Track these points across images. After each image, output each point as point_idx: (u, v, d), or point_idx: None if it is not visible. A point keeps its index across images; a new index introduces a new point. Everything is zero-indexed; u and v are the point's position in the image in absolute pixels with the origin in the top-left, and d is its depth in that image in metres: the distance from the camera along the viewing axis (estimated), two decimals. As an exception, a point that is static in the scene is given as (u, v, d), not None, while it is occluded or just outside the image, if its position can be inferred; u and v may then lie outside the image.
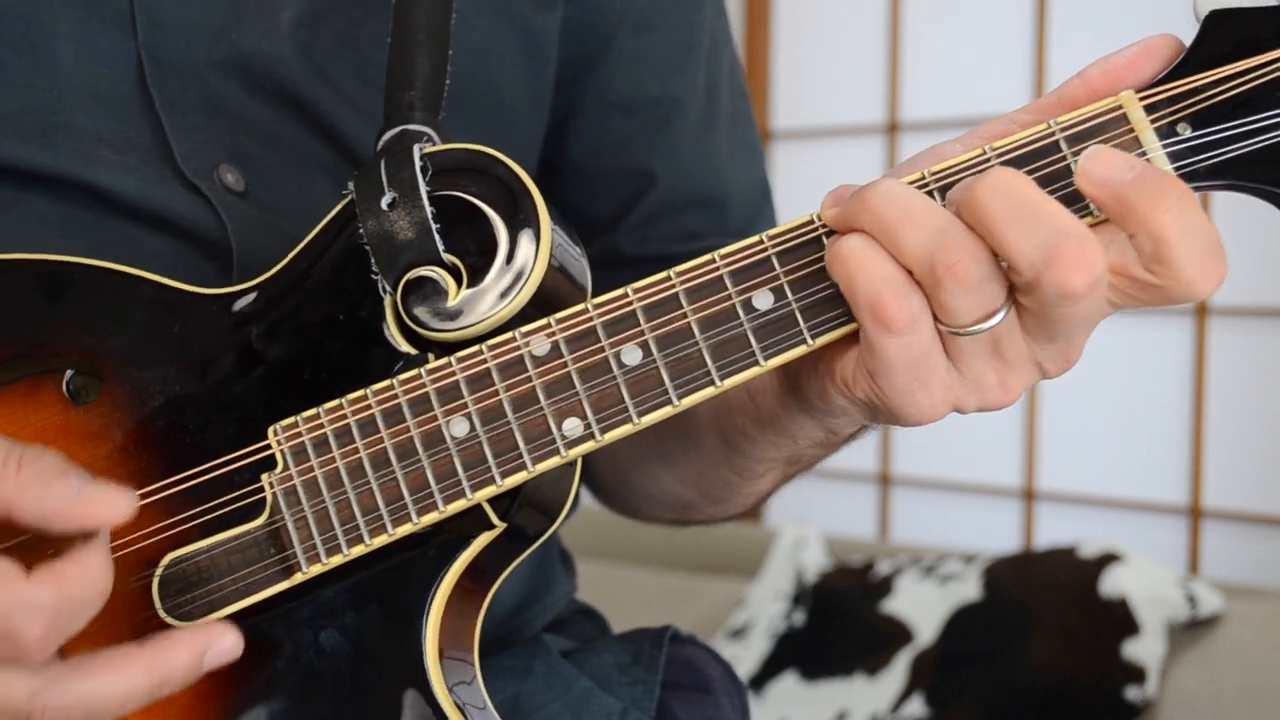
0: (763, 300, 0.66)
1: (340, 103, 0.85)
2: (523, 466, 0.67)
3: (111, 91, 0.80)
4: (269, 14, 0.84)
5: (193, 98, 0.82)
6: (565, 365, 0.67)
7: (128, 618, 0.67)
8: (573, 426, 0.67)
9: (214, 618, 0.69)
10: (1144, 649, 1.87)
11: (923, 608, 2.08)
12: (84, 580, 0.62)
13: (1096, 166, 0.60)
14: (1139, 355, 2.26)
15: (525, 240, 0.69)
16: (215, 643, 0.65)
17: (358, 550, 0.69)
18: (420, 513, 0.68)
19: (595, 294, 0.69)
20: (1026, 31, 2.42)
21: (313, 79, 0.84)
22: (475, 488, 0.67)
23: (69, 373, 0.71)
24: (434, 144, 0.73)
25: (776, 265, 0.66)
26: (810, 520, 2.45)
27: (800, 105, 2.71)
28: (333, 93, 0.85)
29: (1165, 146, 0.62)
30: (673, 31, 0.98)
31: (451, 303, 0.69)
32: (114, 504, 0.63)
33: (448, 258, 0.69)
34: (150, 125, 0.81)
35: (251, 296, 0.73)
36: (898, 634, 2.08)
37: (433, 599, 0.70)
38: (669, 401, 0.66)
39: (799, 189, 2.64)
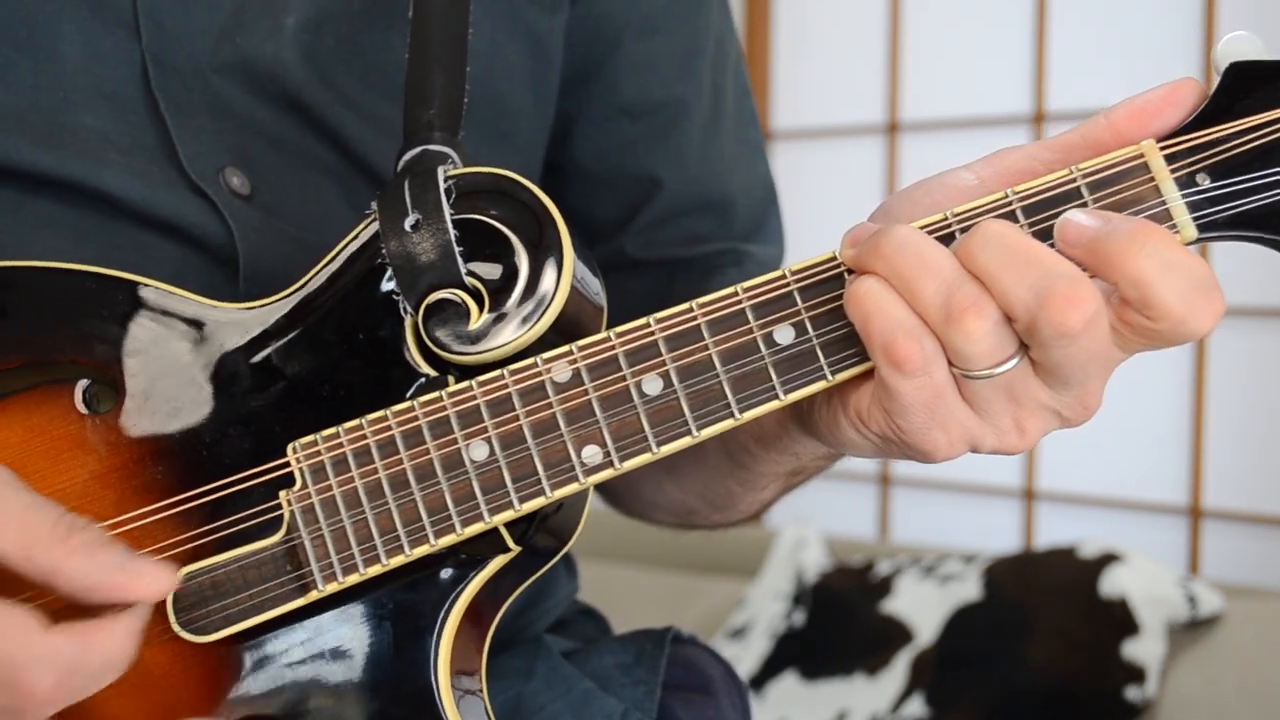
0: (784, 335, 0.66)
1: (344, 107, 0.85)
2: (541, 492, 0.67)
3: (117, 92, 0.80)
4: (273, 18, 0.84)
5: (197, 100, 0.82)
6: (586, 393, 0.67)
7: (144, 634, 0.67)
8: (592, 454, 0.67)
9: (228, 632, 0.69)
10: (1144, 649, 1.87)
11: (923, 608, 2.09)
12: (107, 648, 0.62)
13: (1069, 226, 0.61)
14: (1139, 355, 2.26)
15: (548, 267, 0.69)
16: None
17: (374, 570, 0.69)
18: (438, 535, 0.68)
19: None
20: (1026, 31, 2.42)
21: (316, 84, 0.84)
22: (493, 512, 0.67)
23: (85, 381, 0.71)
24: (456, 165, 0.73)
25: (798, 300, 0.66)
26: (810, 520, 2.45)
27: (800, 105, 2.71)
28: (336, 97, 0.85)
29: (1185, 196, 0.63)
30: (678, 35, 0.98)
31: (473, 326, 0.69)
32: (159, 579, 0.63)
33: (470, 281, 0.69)
34: (156, 127, 0.80)
35: (271, 311, 0.73)
36: (898, 634, 2.09)
37: (446, 619, 0.70)
38: (688, 432, 0.66)
39: (799, 189, 2.64)
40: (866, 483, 2.63)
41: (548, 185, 0.97)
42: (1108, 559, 1.97)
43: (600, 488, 1.03)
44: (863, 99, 2.61)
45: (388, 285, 0.71)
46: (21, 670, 0.59)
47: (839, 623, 2.16)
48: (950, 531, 2.49)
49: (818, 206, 2.58)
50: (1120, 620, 1.90)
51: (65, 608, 0.62)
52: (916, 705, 1.98)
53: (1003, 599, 2.03)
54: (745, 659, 2.18)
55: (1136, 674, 1.86)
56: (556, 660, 0.89)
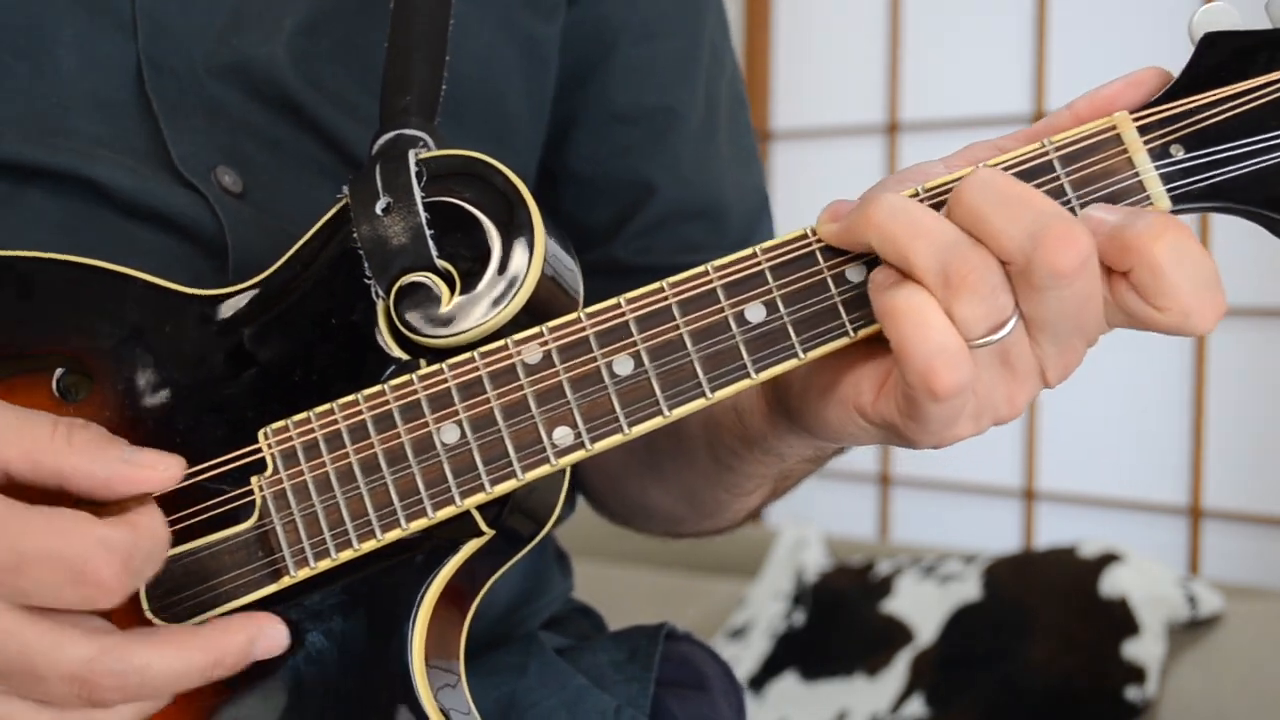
0: (755, 313, 0.66)
1: (339, 109, 0.85)
2: (512, 474, 0.67)
3: (111, 97, 0.80)
4: (270, 20, 0.84)
5: (191, 101, 0.82)
6: (557, 374, 0.67)
7: (115, 618, 0.67)
8: (563, 435, 0.67)
9: (202, 619, 0.69)
10: (1144, 649, 1.87)
11: (923, 608, 2.08)
12: (154, 529, 0.63)
13: (1090, 217, 0.61)
14: (1139, 355, 2.26)
15: (519, 248, 0.69)
16: (265, 631, 0.66)
17: (346, 555, 0.68)
18: (409, 519, 0.68)
19: (590, 303, 0.69)
20: (1026, 32, 2.42)
21: (311, 86, 0.84)
22: (465, 495, 0.67)
23: (59, 371, 0.71)
24: (430, 149, 0.73)
25: (770, 279, 0.66)
26: (810, 520, 2.45)
27: (800, 105, 2.71)
28: (330, 99, 0.85)
29: (1158, 168, 0.63)
30: (674, 41, 0.97)
31: (444, 309, 0.69)
32: (168, 466, 0.64)
33: (441, 264, 0.69)
34: (148, 129, 0.80)
35: (244, 297, 0.73)
36: (898, 634, 2.08)
37: (420, 604, 0.69)
38: (660, 412, 0.66)
39: (799, 189, 2.64)
40: (866, 483, 2.63)
41: (542, 190, 0.97)
42: (1108, 559, 1.97)
43: (588, 493, 1.03)
44: (863, 99, 2.61)
45: (359, 269, 0.70)
46: (90, 561, 0.60)
47: (839, 623, 2.16)
48: (950, 531, 2.49)
49: (818, 207, 2.57)
50: (1120, 620, 1.89)
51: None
52: (916, 705, 1.98)
53: (1003, 599, 2.02)
54: (745, 659, 2.18)
55: (1136, 674, 1.86)
56: (550, 657, 0.89)
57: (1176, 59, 0.67)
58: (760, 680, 2.16)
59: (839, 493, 2.64)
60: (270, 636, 0.67)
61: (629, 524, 1.03)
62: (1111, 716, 1.85)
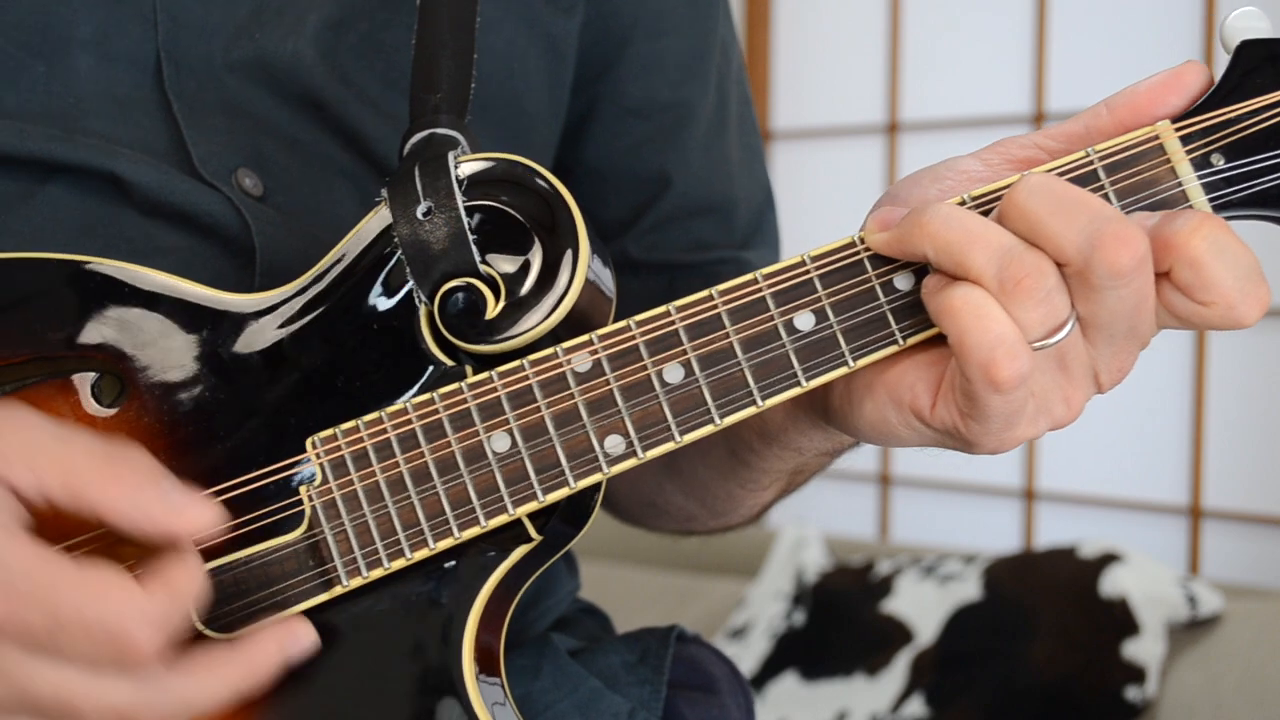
0: (804, 321, 0.66)
1: (363, 106, 0.85)
2: (565, 483, 0.67)
3: (130, 95, 0.80)
4: (294, 15, 0.84)
5: (211, 99, 0.81)
6: (608, 383, 0.67)
7: None
8: (615, 444, 0.67)
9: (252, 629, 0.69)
10: (1144, 649, 1.87)
11: (923, 608, 2.08)
12: (189, 586, 0.62)
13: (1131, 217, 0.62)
14: (1139, 355, 2.26)
15: (565, 255, 0.69)
16: (295, 637, 0.67)
17: (398, 564, 0.68)
18: (461, 528, 0.68)
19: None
20: (1026, 32, 2.42)
21: (335, 82, 0.84)
22: (517, 503, 0.68)
23: (93, 375, 0.71)
24: (465, 151, 0.72)
25: (819, 287, 0.66)
26: (810, 520, 2.45)
27: (800, 105, 2.71)
28: (355, 96, 0.85)
29: (1200, 178, 0.64)
30: (686, 38, 0.98)
31: (489, 316, 0.68)
32: (203, 513, 0.63)
33: (484, 269, 0.69)
34: (168, 129, 0.80)
35: (283, 303, 0.72)
36: (898, 634, 2.08)
37: (470, 610, 0.70)
38: (711, 420, 0.67)
39: (799, 189, 2.64)
40: (866, 483, 2.63)
41: None
42: (1108, 559, 1.97)
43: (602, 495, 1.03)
44: (863, 99, 2.61)
45: (400, 274, 0.70)
46: (127, 632, 0.59)
47: (839, 623, 2.16)
48: (950, 531, 2.49)
49: (818, 206, 2.59)
50: (1120, 620, 1.90)
51: (115, 542, 0.63)
52: (916, 705, 1.98)
53: (1003, 599, 2.02)
54: (745, 659, 2.18)
55: (1136, 674, 1.86)
56: (563, 659, 0.89)
57: (1176, 58, 0.67)
58: (760, 680, 2.16)
59: (839, 493, 2.64)
60: (300, 641, 0.67)
61: (640, 523, 1.04)
62: (1111, 716, 1.85)
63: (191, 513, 0.63)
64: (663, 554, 2.55)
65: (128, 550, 0.65)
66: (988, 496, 2.48)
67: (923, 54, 2.55)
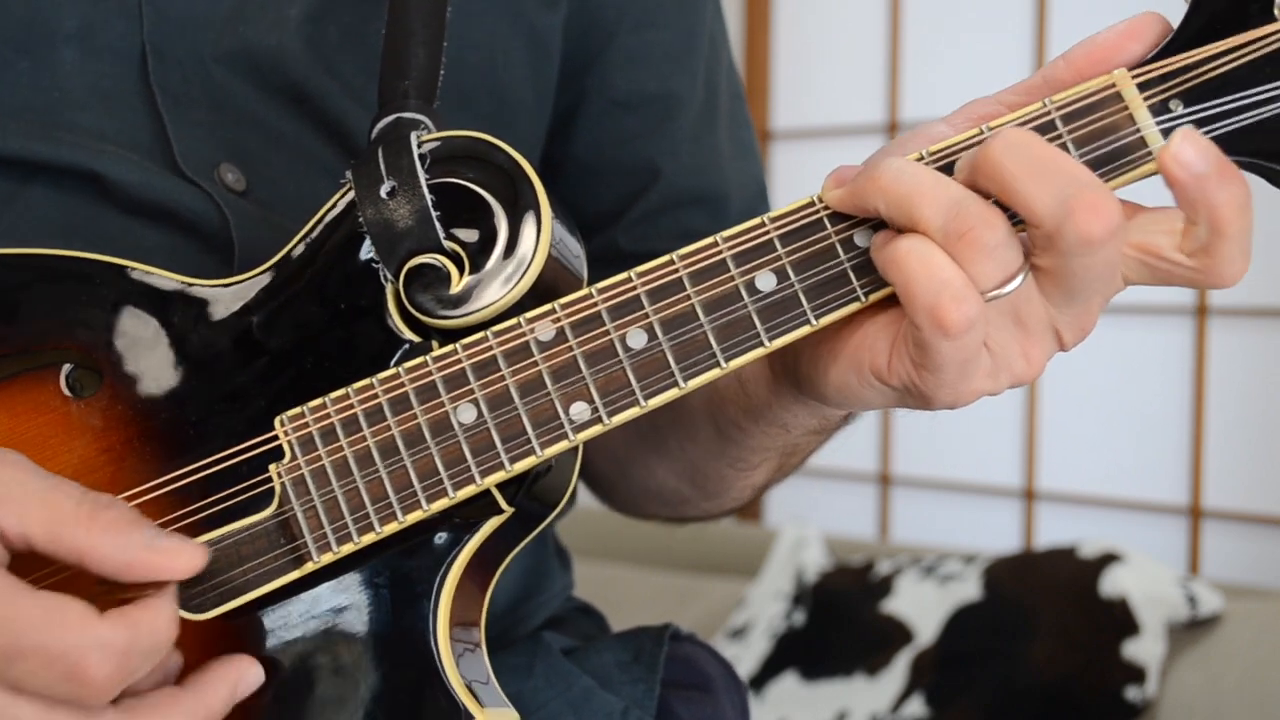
0: (766, 282, 0.66)
1: (347, 98, 0.85)
2: (531, 451, 0.67)
3: (114, 89, 0.80)
4: (277, 8, 0.84)
5: (195, 92, 0.82)
6: (571, 350, 0.67)
7: None
8: (580, 410, 0.67)
9: (226, 608, 0.69)
10: (1144, 649, 1.87)
11: (923, 608, 2.08)
12: (155, 627, 0.62)
13: (1188, 147, 0.60)
14: (1138, 355, 2.26)
15: (526, 227, 0.69)
16: (243, 676, 0.67)
17: (369, 538, 0.69)
18: (430, 499, 0.68)
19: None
20: (1026, 32, 2.42)
21: (320, 74, 0.85)
22: (485, 473, 0.68)
23: (68, 367, 0.71)
24: (430, 132, 0.73)
25: (779, 247, 0.66)
26: (810, 520, 2.45)
27: (800, 105, 2.71)
28: (340, 88, 0.85)
29: (1159, 123, 0.63)
30: (673, 30, 0.98)
31: (454, 290, 0.69)
32: (190, 555, 0.64)
33: (448, 245, 0.69)
34: (152, 123, 0.81)
35: (250, 286, 0.73)
36: (898, 634, 2.08)
37: (442, 583, 0.70)
38: (675, 384, 0.67)
39: (799, 189, 2.63)
40: (866, 483, 2.63)
41: (545, 179, 0.97)
42: (1108, 559, 1.97)
43: (594, 480, 1.03)
44: (863, 99, 2.61)
45: (366, 253, 0.71)
46: (82, 661, 0.59)
47: (839, 623, 2.16)
48: (950, 531, 2.49)
49: (818, 207, 2.58)
50: (1120, 620, 1.89)
51: (97, 587, 0.63)
52: (916, 705, 1.98)
53: (1003, 599, 2.02)
54: (745, 659, 2.18)
55: (1136, 674, 1.86)
56: (556, 658, 0.89)
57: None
58: (760, 680, 2.16)
59: (839, 493, 2.64)
60: (249, 680, 0.68)
61: (634, 511, 1.04)
62: (1111, 716, 1.85)
63: (179, 555, 0.63)
64: (662, 554, 2.55)
65: (93, 585, 0.64)
66: (988, 496, 2.48)
67: (923, 54, 2.55)
